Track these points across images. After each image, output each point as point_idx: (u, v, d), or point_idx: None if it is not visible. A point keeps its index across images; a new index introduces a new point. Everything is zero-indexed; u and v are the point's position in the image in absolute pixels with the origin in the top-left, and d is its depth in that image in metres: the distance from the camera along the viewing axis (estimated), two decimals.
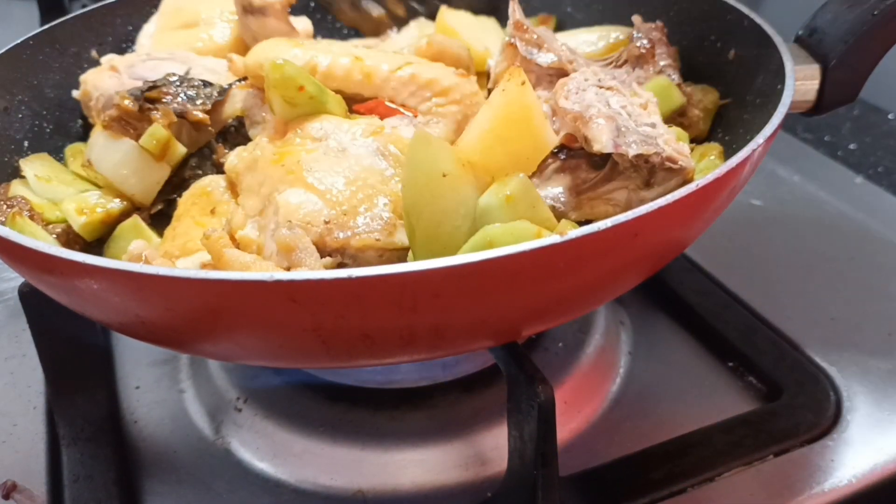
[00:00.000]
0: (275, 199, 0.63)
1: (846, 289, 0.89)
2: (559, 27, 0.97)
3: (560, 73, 0.74)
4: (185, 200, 0.72)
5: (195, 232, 0.68)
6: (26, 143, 0.80)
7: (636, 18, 0.83)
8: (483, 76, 0.82)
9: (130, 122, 0.74)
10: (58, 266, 0.52)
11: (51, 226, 0.73)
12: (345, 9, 0.99)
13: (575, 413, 0.76)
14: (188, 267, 0.65)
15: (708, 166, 0.71)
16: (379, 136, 0.67)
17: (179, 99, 0.75)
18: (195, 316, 0.52)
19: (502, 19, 0.91)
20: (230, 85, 0.78)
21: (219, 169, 0.75)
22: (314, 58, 0.72)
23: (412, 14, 0.98)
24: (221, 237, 0.58)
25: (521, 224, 0.55)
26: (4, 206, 0.71)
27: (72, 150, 0.83)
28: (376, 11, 0.97)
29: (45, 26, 0.86)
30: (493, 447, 0.72)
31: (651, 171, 0.63)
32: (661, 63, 0.77)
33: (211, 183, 0.72)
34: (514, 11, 0.77)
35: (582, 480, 0.69)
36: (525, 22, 0.76)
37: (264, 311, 0.50)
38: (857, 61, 0.73)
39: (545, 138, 0.63)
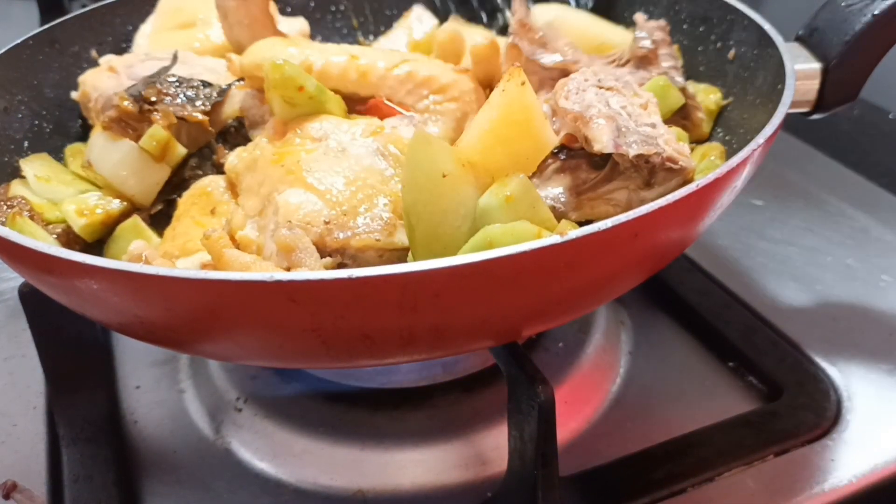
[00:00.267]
0: (274, 200, 0.63)
1: (847, 289, 0.89)
2: None
3: (564, 73, 0.74)
4: (185, 200, 0.72)
5: (195, 232, 0.68)
6: (26, 143, 0.80)
7: (639, 17, 0.82)
8: None
9: (130, 123, 0.74)
10: (57, 266, 0.52)
11: (51, 226, 0.73)
12: None
13: (575, 413, 0.76)
14: (188, 267, 0.65)
15: (708, 166, 0.71)
16: (379, 135, 0.67)
17: (179, 100, 0.75)
18: (195, 316, 0.52)
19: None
20: (229, 85, 0.78)
21: (219, 169, 0.75)
22: (309, 57, 0.72)
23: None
24: (221, 237, 0.58)
25: (521, 224, 0.55)
26: (4, 207, 0.71)
27: (71, 150, 0.83)
28: None
29: (45, 26, 0.86)
30: (494, 447, 0.72)
31: (651, 172, 0.63)
32: (665, 64, 0.76)
33: (211, 183, 0.72)
34: (518, 10, 0.76)
35: (582, 480, 0.69)
36: (529, 21, 0.76)
37: (264, 312, 0.50)
38: (857, 61, 0.73)
39: (545, 138, 0.63)
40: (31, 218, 0.71)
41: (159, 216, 0.75)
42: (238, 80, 0.79)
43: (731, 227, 0.99)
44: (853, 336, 0.83)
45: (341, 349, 0.54)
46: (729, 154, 0.74)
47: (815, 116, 0.77)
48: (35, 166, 0.77)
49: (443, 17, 0.98)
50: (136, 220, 0.73)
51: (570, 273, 0.52)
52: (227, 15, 0.82)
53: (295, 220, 0.61)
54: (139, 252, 0.63)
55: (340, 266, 0.62)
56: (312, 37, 0.97)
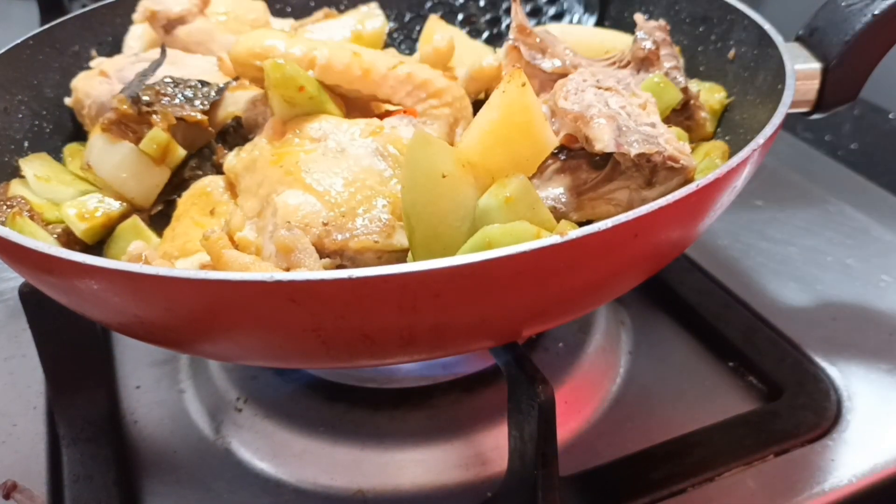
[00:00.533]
0: (273, 201, 0.63)
1: (847, 289, 0.89)
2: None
3: (564, 76, 0.74)
4: (185, 201, 0.72)
5: (194, 232, 0.68)
6: (26, 143, 0.80)
7: (639, 17, 0.82)
8: None
9: (129, 125, 0.73)
10: (57, 266, 0.52)
11: (51, 226, 0.73)
12: None
13: (575, 413, 0.76)
14: (187, 268, 0.64)
15: (708, 166, 0.71)
16: (378, 136, 0.67)
17: (177, 100, 0.75)
18: (195, 316, 0.52)
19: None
20: (227, 83, 0.78)
21: (218, 169, 0.74)
22: (312, 51, 0.71)
23: None
24: (220, 238, 0.58)
25: (520, 225, 0.55)
26: (4, 207, 0.71)
27: (70, 149, 0.83)
28: None
29: (45, 26, 0.86)
30: (494, 447, 0.72)
31: (653, 171, 0.63)
32: (667, 65, 0.76)
33: (210, 183, 0.72)
34: (517, 13, 0.76)
35: (582, 480, 0.69)
36: (528, 25, 0.76)
37: (264, 312, 0.50)
38: (857, 61, 0.73)
39: (545, 139, 0.63)
40: (31, 218, 0.71)
41: (159, 216, 0.75)
42: (235, 79, 0.78)
43: (732, 226, 0.99)
44: (853, 336, 0.83)
45: (341, 349, 0.54)
46: (729, 154, 0.74)
47: (815, 116, 0.77)
48: (35, 166, 0.77)
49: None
50: (135, 221, 0.73)
51: (569, 273, 0.52)
52: (187, 48, 0.84)
53: (293, 221, 0.61)
54: (139, 252, 0.63)
55: (339, 267, 0.61)
56: None
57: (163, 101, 0.74)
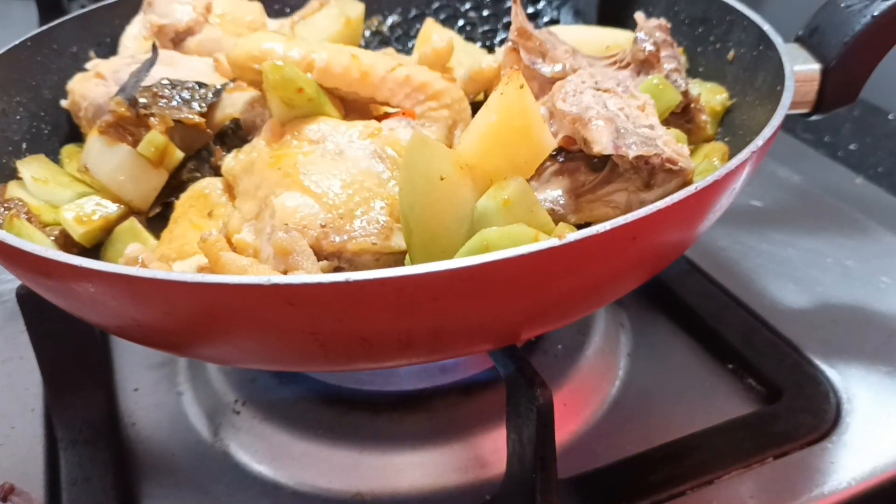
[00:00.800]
0: (271, 203, 0.63)
1: (846, 291, 0.89)
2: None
3: (563, 79, 0.73)
4: (183, 203, 0.72)
5: (192, 235, 0.68)
6: (24, 145, 0.80)
7: (639, 16, 0.82)
8: None
9: (127, 127, 0.73)
10: (54, 269, 0.52)
11: (48, 228, 0.72)
12: None
13: (574, 415, 0.76)
14: (185, 270, 0.64)
15: (707, 168, 0.71)
16: (376, 138, 0.67)
17: (174, 102, 0.74)
18: (192, 319, 0.52)
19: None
20: (224, 85, 0.78)
21: (216, 171, 0.74)
22: (311, 53, 0.71)
23: None
24: (218, 240, 0.58)
25: (518, 227, 0.55)
26: (1, 209, 0.71)
27: (68, 151, 0.83)
28: None
29: (44, 27, 0.86)
30: (492, 450, 0.72)
31: (651, 173, 0.63)
32: (667, 67, 0.76)
33: (208, 185, 0.72)
34: (517, 15, 0.76)
35: (581, 483, 0.69)
36: (528, 28, 0.75)
37: (261, 315, 0.50)
38: (857, 62, 0.73)
39: (543, 141, 0.63)
40: (29, 220, 0.71)
41: (156, 218, 0.75)
42: (231, 82, 0.78)
43: (731, 228, 0.99)
44: (853, 338, 0.83)
45: (339, 352, 0.54)
46: (729, 155, 0.74)
47: (815, 117, 0.76)
48: (32, 168, 0.77)
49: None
50: (132, 223, 0.72)
51: (568, 276, 0.52)
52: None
53: (291, 223, 0.61)
54: (136, 255, 0.63)
55: (337, 269, 0.61)
56: None
57: (160, 104, 0.74)
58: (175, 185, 0.75)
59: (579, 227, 0.61)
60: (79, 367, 0.77)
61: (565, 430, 0.74)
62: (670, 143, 0.63)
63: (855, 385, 0.77)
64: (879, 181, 1.09)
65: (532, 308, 0.54)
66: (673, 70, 0.77)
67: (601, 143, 0.61)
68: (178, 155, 0.74)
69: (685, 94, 0.75)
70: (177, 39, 0.85)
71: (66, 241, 0.73)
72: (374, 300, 0.48)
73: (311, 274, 0.57)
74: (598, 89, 0.66)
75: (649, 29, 0.79)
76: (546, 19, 1.00)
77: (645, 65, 0.76)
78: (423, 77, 0.70)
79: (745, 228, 0.99)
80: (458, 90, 0.72)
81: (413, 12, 1.02)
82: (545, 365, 0.80)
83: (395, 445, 0.73)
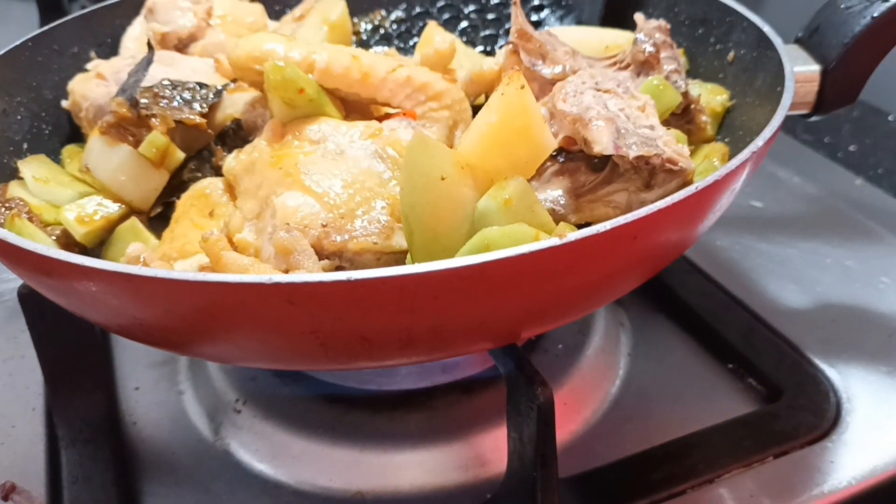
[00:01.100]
0: (272, 202, 0.63)
1: (846, 291, 0.89)
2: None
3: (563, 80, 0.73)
4: (184, 202, 0.72)
5: (193, 234, 0.68)
6: (25, 145, 0.80)
7: (638, 17, 0.82)
8: None
9: (128, 127, 0.73)
10: (56, 268, 0.52)
11: (49, 227, 0.73)
12: None
13: (574, 414, 0.76)
14: (186, 269, 0.64)
15: (707, 168, 0.71)
16: (377, 138, 0.67)
17: (175, 103, 0.74)
18: (193, 318, 0.52)
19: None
20: (225, 85, 0.78)
21: (217, 171, 0.74)
22: (312, 54, 0.71)
23: None
24: (219, 240, 0.58)
25: (519, 227, 0.55)
26: (3, 208, 0.71)
27: (68, 151, 0.83)
28: None
29: (45, 27, 0.86)
30: (493, 449, 0.72)
31: (651, 173, 0.63)
32: (667, 68, 0.76)
33: (209, 185, 0.72)
34: (517, 17, 0.76)
35: (581, 482, 0.69)
36: (528, 29, 0.75)
37: (262, 314, 0.50)
38: (857, 63, 0.73)
39: (544, 141, 0.63)
40: (30, 219, 0.71)
41: (158, 218, 0.75)
42: (231, 82, 0.78)
43: (731, 228, 0.99)
44: (853, 338, 0.83)
45: (340, 351, 0.54)
46: (729, 156, 0.74)
47: (815, 118, 0.77)
48: (33, 168, 0.77)
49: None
50: (134, 222, 0.73)
51: (568, 275, 0.52)
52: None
53: (292, 222, 0.61)
54: (137, 254, 0.63)
55: (338, 269, 0.61)
56: None
57: (161, 104, 0.74)
58: (176, 185, 0.75)
59: (580, 226, 0.61)
60: (80, 366, 0.77)
61: (566, 429, 0.74)
62: (671, 144, 0.63)
63: (855, 385, 0.78)
64: (879, 182, 1.09)
65: (532, 307, 0.54)
66: (673, 71, 0.77)
67: (602, 143, 0.61)
68: (180, 155, 0.74)
69: (685, 94, 0.75)
70: (180, 46, 0.85)
71: (67, 241, 0.73)
72: (374, 299, 0.48)
73: (312, 273, 0.58)
74: (599, 90, 0.66)
75: (649, 30, 0.79)
76: (548, 29, 1.00)
77: (645, 66, 0.76)
78: (424, 78, 0.70)
79: (745, 228, 0.99)
80: (459, 91, 0.72)
81: (417, 9, 1.02)
82: (545, 364, 0.80)
83: (395, 444, 0.73)
